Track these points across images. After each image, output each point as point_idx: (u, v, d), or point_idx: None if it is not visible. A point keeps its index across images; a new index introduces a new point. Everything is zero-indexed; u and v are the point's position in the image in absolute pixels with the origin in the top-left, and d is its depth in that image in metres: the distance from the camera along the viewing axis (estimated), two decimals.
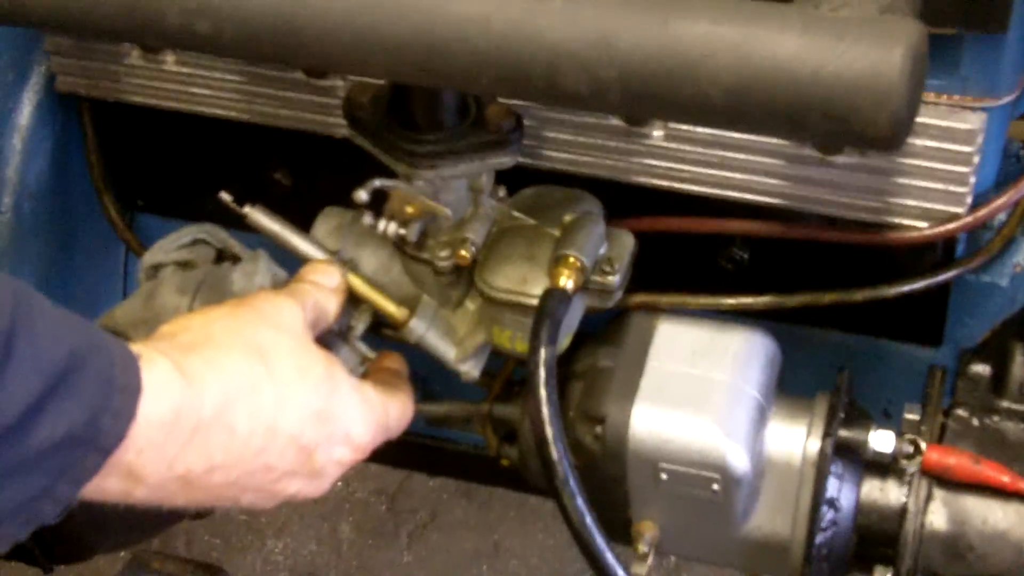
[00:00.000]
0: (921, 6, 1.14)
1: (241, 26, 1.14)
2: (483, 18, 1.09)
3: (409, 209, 1.35)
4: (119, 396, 1.04)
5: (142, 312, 1.37)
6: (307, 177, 1.63)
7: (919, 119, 1.16)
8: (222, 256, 1.43)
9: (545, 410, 1.25)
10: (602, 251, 1.37)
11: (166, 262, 1.42)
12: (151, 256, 1.43)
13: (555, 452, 1.25)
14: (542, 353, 1.27)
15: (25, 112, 1.62)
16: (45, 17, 1.21)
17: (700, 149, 1.39)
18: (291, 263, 1.39)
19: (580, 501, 1.24)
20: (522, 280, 1.35)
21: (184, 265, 1.41)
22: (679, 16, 1.07)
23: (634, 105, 1.11)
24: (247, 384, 1.16)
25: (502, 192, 1.42)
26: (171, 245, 1.43)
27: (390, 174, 1.34)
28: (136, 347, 1.08)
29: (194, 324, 1.20)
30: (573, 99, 1.11)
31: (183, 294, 1.37)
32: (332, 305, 1.31)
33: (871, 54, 1.03)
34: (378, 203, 1.36)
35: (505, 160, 1.33)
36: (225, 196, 1.37)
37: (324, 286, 1.31)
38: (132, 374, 1.05)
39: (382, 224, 1.36)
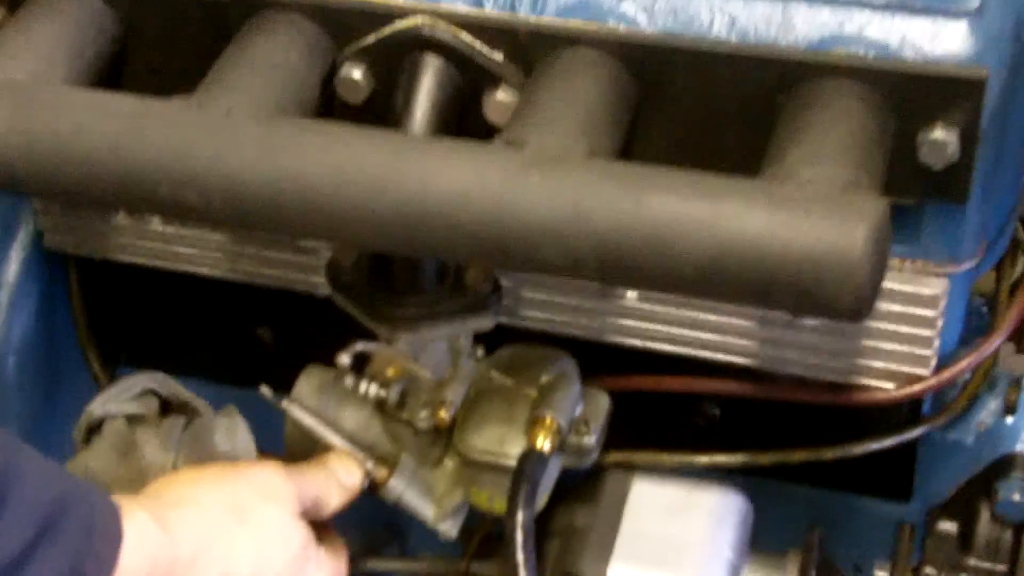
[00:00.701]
0: (883, 180, 1.18)
1: (228, 198, 1.18)
2: (463, 193, 1.13)
3: (390, 371, 1.39)
4: (101, 543, 1.08)
5: (125, 470, 1.40)
6: (289, 334, 1.66)
7: (884, 284, 1.20)
8: (168, 407, 1.46)
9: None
10: (578, 411, 1.40)
11: (116, 413, 1.44)
12: (99, 406, 1.45)
13: None
14: (519, 516, 1.29)
15: (11, 269, 1.65)
16: (38, 187, 1.23)
17: (672, 310, 1.43)
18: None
19: None
20: (500, 441, 1.38)
21: (132, 419, 1.44)
22: (651, 193, 1.10)
23: (609, 276, 1.15)
24: (224, 546, 1.20)
25: (480, 351, 1.45)
26: (120, 395, 1.45)
27: (372, 335, 1.38)
28: (116, 498, 1.13)
29: (181, 483, 1.25)
30: (550, 270, 1.15)
31: (167, 451, 1.40)
32: (334, 501, 1.35)
33: (835, 231, 1.06)
34: (360, 363, 1.40)
35: (484, 323, 1.37)
36: (265, 390, 1.41)
37: (338, 479, 1.35)
38: (113, 522, 1.10)
39: (363, 385, 1.39)
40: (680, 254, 1.10)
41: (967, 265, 1.33)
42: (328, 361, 1.46)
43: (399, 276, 1.34)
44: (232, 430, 1.40)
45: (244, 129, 1.19)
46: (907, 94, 1.18)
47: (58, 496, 1.06)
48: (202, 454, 1.39)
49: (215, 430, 1.40)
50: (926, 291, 1.33)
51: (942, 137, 1.18)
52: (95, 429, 1.45)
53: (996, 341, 1.42)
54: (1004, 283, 1.54)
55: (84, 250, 1.62)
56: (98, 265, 1.65)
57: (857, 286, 1.06)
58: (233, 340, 1.69)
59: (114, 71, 1.36)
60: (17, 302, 1.66)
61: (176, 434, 1.41)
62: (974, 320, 1.54)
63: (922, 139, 1.19)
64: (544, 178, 1.12)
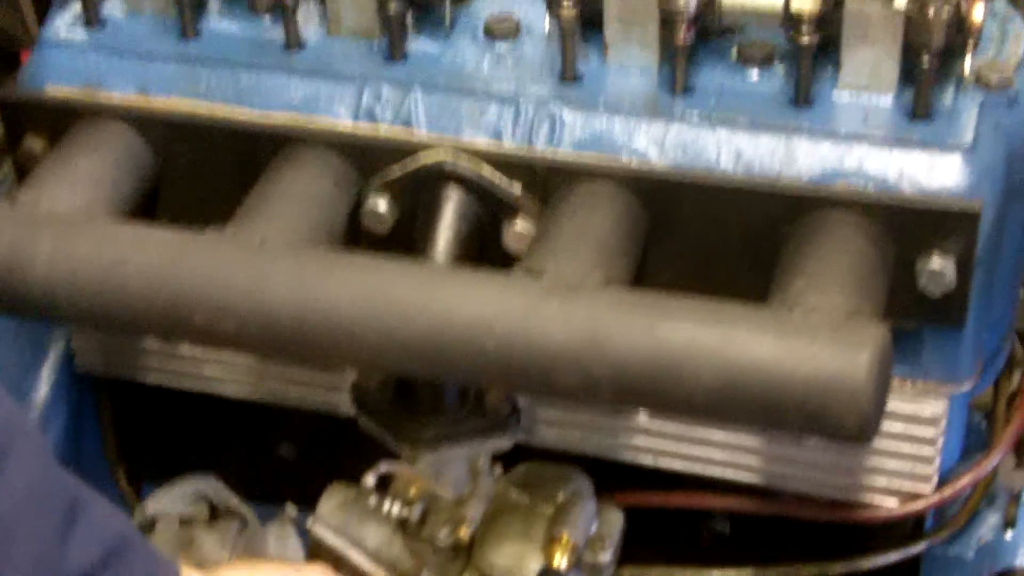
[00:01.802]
0: (885, 308, 1.24)
1: (263, 326, 1.23)
2: (487, 322, 1.19)
3: (412, 490, 1.44)
4: None
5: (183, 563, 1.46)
6: (311, 451, 1.71)
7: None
8: (215, 512, 1.52)
9: None
10: (593, 529, 1.45)
11: (170, 513, 1.50)
12: (153, 504, 1.51)
13: None
14: None
15: (43, 390, 1.70)
16: (79, 316, 1.29)
17: (683, 428, 1.48)
18: None
19: None
20: (518, 557, 1.43)
21: (184, 519, 1.50)
22: (665, 320, 1.16)
23: (625, 400, 1.20)
24: None
25: (498, 470, 1.51)
26: (174, 496, 1.51)
27: (394, 454, 1.43)
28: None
29: (238, 570, 1.33)
30: (568, 394, 1.20)
31: (223, 549, 1.47)
32: None
33: (840, 358, 1.12)
34: (383, 482, 1.45)
35: (503, 443, 1.43)
36: (290, 509, 1.47)
37: None
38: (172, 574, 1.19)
39: (387, 505, 1.44)
40: (692, 379, 1.15)
41: (966, 385, 1.38)
42: (348, 476, 1.51)
43: (422, 399, 1.40)
44: (284, 538, 1.46)
45: (277, 261, 1.25)
46: (905, 225, 1.24)
47: (123, 532, 1.14)
48: (255, 554, 1.45)
49: (268, 535, 1.47)
50: (927, 411, 1.38)
51: (939, 266, 1.24)
52: (147, 528, 1.51)
53: (995, 458, 1.47)
54: (1001, 398, 1.59)
55: (115, 372, 1.67)
56: (126, 384, 1.70)
57: (862, 410, 1.12)
58: (256, 456, 1.74)
59: (150, 201, 1.43)
60: (47, 421, 1.70)
61: (232, 535, 1.48)
62: (973, 434, 1.59)
63: (920, 268, 1.25)
64: (562, 306, 1.18)
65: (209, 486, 1.53)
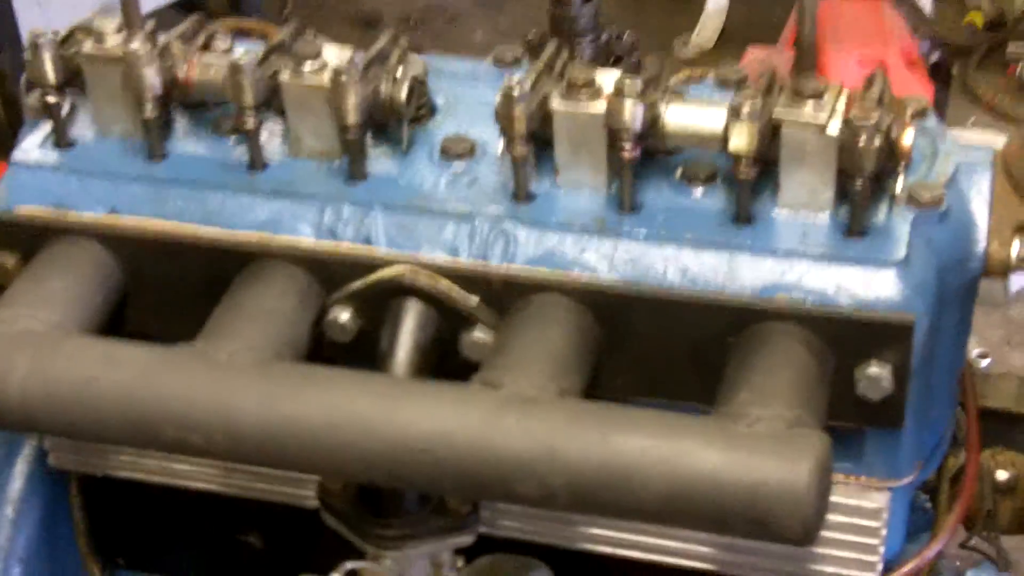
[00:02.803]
0: (825, 415, 1.30)
1: (230, 440, 1.29)
2: (446, 434, 1.24)
3: None
4: None
5: None
6: (279, 541, 1.76)
7: (832, 498, 1.31)
8: None
9: None
10: None
11: None
12: None
13: None
14: None
15: (16, 485, 1.74)
16: (54, 429, 1.35)
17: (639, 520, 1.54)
18: None
19: None
20: None
21: None
22: (617, 432, 1.23)
23: (579, 508, 1.26)
24: None
25: (460, 562, 1.56)
26: None
27: (359, 548, 1.49)
28: None
29: None
30: (525, 502, 1.26)
31: None
32: None
33: (782, 468, 1.19)
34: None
35: (464, 540, 1.48)
36: None
37: None
38: None
39: None
40: (643, 488, 1.21)
41: (906, 480, 1.44)
42: (316, 567, 1.56)
43: (385, 500, 1.45)
44: None
45: (243, 376, 1.31)
46: (843, 336, 1.31)
47: None
48: None
49: None
50: (869, 504, 1.44)
51: (877, 373, 1.31)
52: None
53: (938, 545, 1.53)
54: (944, 479, 1.66)
55: (87, 468, 1.72)
56: (98, 479, 1.74)
57: (804, 516, 1.18)
58: (226, 546, 1.78)
59: (119, 313, 1.47)
60: (22, 515, 1.75)
61: None
62: (918, 513, 1.65)
63: (859, 375, 1.32)
64: (519, 419, 1.24)
65: None
